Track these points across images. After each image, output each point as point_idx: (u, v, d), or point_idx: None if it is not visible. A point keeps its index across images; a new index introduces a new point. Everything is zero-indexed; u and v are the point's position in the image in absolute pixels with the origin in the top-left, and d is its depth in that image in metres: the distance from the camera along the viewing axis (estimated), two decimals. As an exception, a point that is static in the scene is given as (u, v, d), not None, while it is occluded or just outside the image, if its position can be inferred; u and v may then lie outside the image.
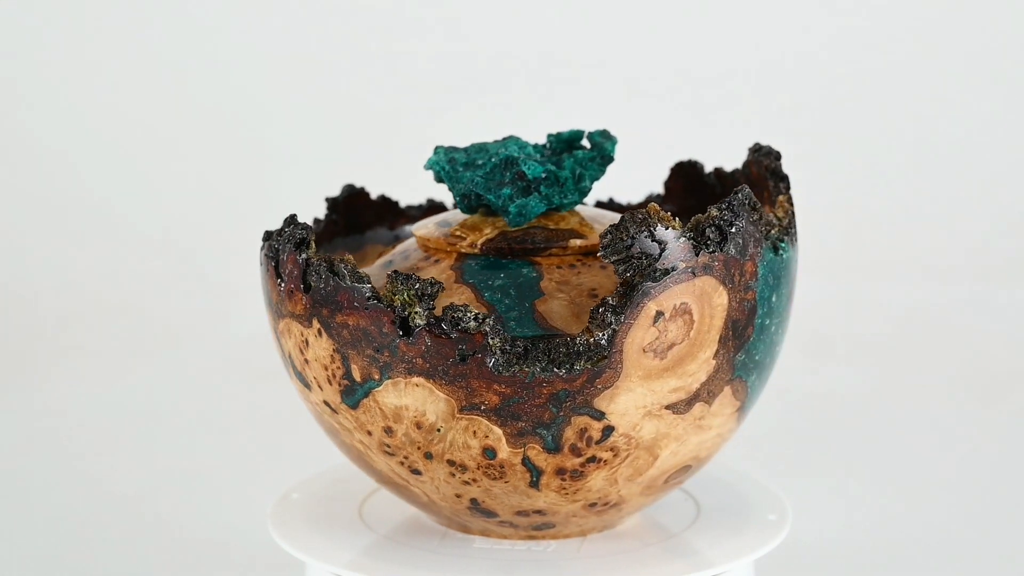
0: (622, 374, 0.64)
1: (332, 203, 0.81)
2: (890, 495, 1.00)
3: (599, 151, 0.73)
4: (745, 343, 0.67)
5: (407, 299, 0.65)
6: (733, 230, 0.65)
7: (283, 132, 1.43)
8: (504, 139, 0.74)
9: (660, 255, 0.64)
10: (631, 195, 0.85)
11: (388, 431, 0.67)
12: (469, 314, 0.64)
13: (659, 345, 0.65)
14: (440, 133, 0.94)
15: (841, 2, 1.43)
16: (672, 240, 0.64)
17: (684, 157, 0.82)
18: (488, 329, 0.64)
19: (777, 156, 0.73)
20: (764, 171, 0.74)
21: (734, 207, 0.66)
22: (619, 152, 0.76)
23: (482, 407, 0.65)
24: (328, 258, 0.66)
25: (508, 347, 0.64)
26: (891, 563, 0.91)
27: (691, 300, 0.65)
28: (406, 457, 0.68)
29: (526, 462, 0.67)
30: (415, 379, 0.65)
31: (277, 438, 1.09)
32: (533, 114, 1.38)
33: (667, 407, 0.66)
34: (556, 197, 0.71)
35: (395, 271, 0.65)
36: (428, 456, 0.67)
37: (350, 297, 0.65)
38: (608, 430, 0.66)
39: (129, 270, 1.35)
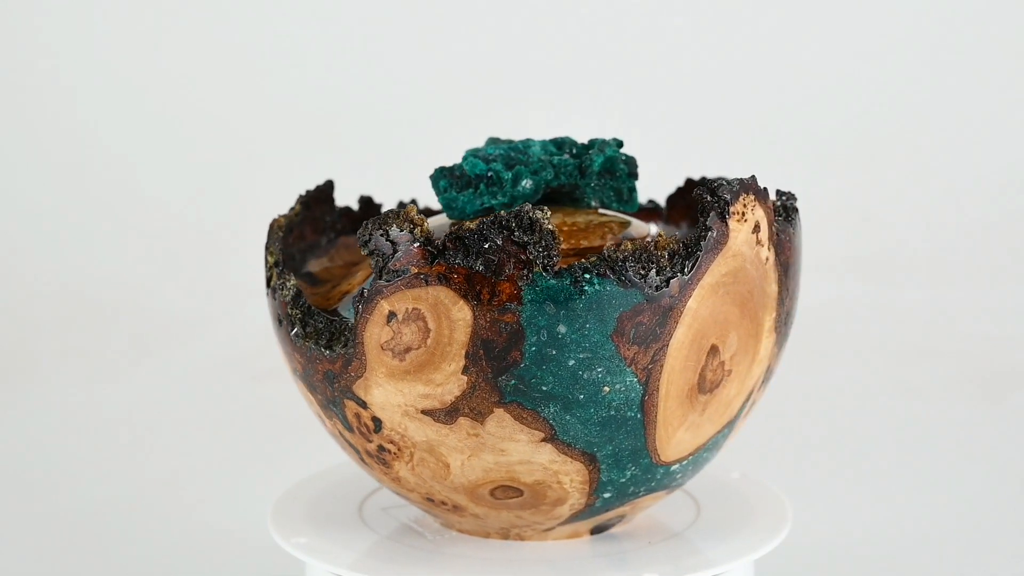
0: (367, 366, 0.66)
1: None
2: (890, 495, 0.99)
3: (584, 158, 0.71)
4: (511, 368, 0.64)
5: (274, 261, 0.72)
6: (477, 246, 0.63)
7: (278, 132, 1.37)
8: (555, 138, 0.74)
9: (392, 256, 0.64)
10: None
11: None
12: (289, 283, 0.70)
13: (396, 346, 0.65)
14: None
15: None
16: (404, 243, 0.64)
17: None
18: (289, 300, 0.69)
19: (705, 192, 0.65)
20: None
21: (493, 224, 0.63)
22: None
23: (297, 371, 0.70)
24: (278, 219, 0.75)
25: (306, 320, 0.69)
26: (891, 563, 0.89)
27: (424, 308, 0.64)
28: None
29: (343, 435, 0.70)
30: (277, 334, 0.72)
31: (277, 438, 1.07)
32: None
33: (424, 412, 0.66)
34: (487, 197, 0.71)
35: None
36: (316, 414, 0.73)
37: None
38: (376, 421, 0.67)
39: (129, 270, 1.33)
